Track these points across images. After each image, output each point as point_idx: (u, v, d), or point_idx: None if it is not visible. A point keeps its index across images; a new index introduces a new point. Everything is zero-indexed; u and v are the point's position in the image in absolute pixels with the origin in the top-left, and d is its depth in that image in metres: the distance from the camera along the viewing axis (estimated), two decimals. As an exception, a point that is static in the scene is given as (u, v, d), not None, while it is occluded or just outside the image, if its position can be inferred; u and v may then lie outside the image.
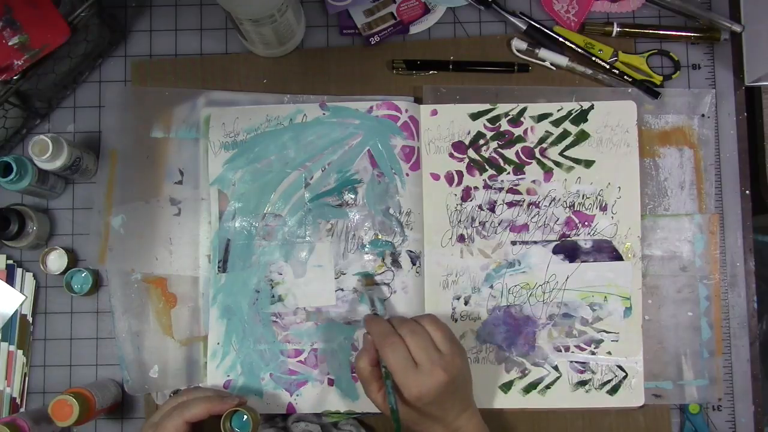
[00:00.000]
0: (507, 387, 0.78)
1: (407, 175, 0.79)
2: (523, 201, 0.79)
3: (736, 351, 0.80)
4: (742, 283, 0.80)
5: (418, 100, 0.81)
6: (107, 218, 0.80)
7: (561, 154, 0.80)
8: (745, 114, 0.82)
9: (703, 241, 0.79)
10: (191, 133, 0.81)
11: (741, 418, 0.79)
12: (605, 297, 0.78)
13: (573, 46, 0.82)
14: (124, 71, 0.83)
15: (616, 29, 0.82)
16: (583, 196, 0.79)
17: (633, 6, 0.83)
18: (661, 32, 0.82)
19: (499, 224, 0.79)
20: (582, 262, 0.78)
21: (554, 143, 0.80)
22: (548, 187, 0.79)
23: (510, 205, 0.79)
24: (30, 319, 0.81)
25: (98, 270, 0.80)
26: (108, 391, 0.77)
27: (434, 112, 0.80)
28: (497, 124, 0.80)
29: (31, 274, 0.81)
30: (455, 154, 0.80)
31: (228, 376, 0.78)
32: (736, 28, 0.81)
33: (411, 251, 0.78)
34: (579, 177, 0.79)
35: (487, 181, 0.80)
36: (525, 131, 0.80)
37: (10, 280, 0.81)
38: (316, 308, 0.78)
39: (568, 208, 0.79)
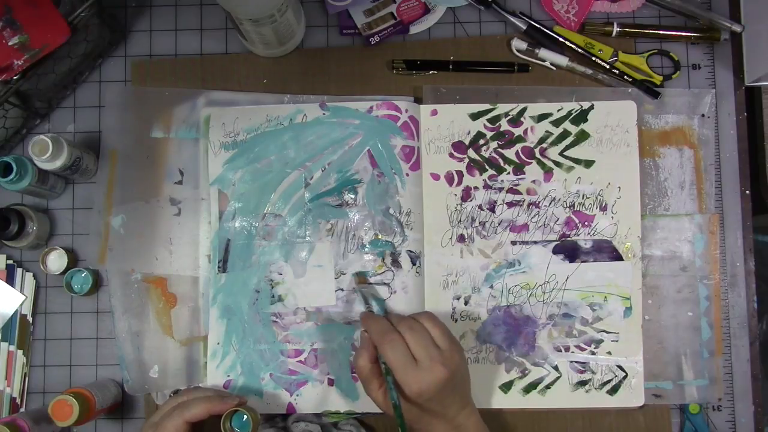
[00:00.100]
0: (507, 387, 0.78)
1: (407, 175, 0.79)
2: (523, 201, 0.79)
3: (736, 351, 0.80)
4: (742, 283, 0.80)
5: (418, 100, 0.81)
6: (107, 218, 0.80)
7: (561, 154, 0.80)
8: (745, 114, 0.82)
9: (703, 241, 0.79)
10: (191, 133, 0.81)
11: (741, 418, 0.79)
12: (605, 297, 0.78)
13: (573, 46, 0.82)
14: (124, 71, 0.83)
15: (616, 29, 0.82)
16: (583, 196, 0.79)
17: (633, 6, 0.83)
18: (661, 32, 0.82)
19: (499, 224, 0.79)
20: (582, 262, 0.78)
21: (554, 143, 0.80)
22: (548, 187, 0.79)
23: (510, 205, 0.79)
24: (30, 319, 0.81)
25: (98, 270, 0.80)
26: (108, 391, 0.77)
27: (434, 112, 0.80)
28: (497, 124, 0.80)
29: (31, 274, 0.81)
30: (455, 154, 0.80)
31: (228, 376, 0.78)
32: (736, 28, 0.81)
33: (411, 251, 0.78)
34: (579, 177, 0.79)
35: (487, 181, 0.80)
36: (525, 131, 0.80)
37: (10, 280, 0.81)
38: (316, 308, 0.78)
39: (568, 208, 0.79)
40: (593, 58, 0.81)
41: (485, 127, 0.80)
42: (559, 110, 0.80)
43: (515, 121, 0.80)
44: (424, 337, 0.64)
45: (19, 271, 0.81)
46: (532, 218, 0.79)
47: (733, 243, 0.81)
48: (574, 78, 0.82)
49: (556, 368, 0.78)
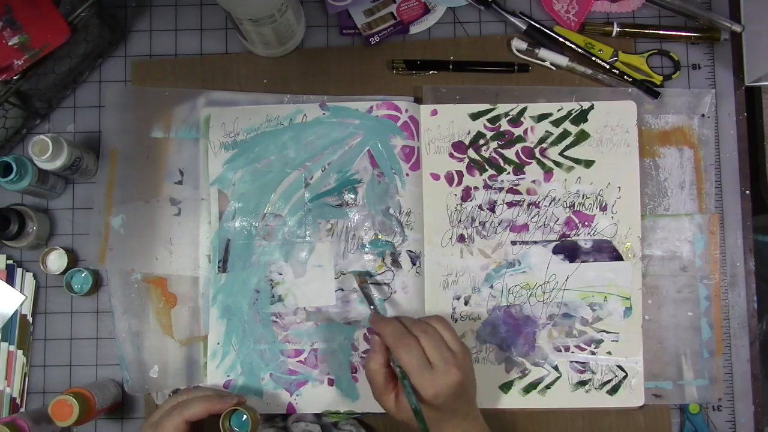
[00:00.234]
0: (507, 387, 0.78)
1: (407, 175, 0.79)
2: (523, 201, 0.79)
3: (736, 351, 0.80)
4: (742, 283, 0.80)
5: (418, 100, 0.81)
6: (107, 218, 0.80)
7: (561, 154, 0.80)
8: (745, 114, 0.82)
9: (703, 241, 0.79)
10: (191, 133, 0.81)
11: (741, 418, 0.79)
12: (605, 297, 0.78)
13: (573, 46, 0.82)
14: (124, 71, 0.83)
15: (616, 29, 0.82)
16: (583, 196, 0.79)
17: (633, 6, 0.83)
18: (661, 32, 0.82)
19: (499, 224, 0.79)
20: (582, 262, 0.78)
21: (554, 143, 0.80)
22: (548, 187, 0.79)
23: (510, 205, 0.79)
24: (30, 319, 0.81)
25: (98, 270, 0.80)
26: (108, 391, 0.77)
27: (434, 112, 0.80)
28: (497, 124, 0.80)
29: (31, 274, 0.81)
30: (455, 154, 0.80)
31: (228, 376, 0.78)
32: (736, 28, 0.81)
33: (411, 251, 0.78)
34: (579, 177, 0.79)
35: (487, 181, 0.80)
36: (525, 131, 0.80)
37: (10, 280, 0.81)
38: (316, 308, 0.78)
39: (568, 208, 0.79)
40: (593, 58, 0.81)
41: (485, 127, 0.80)
42: (559, 110, 0.80)
43: (515, 121, 0.80)
44: (438, 341, 0.65)
45: (19, 271, 0.81)
46: (532, 218, 0.79)
47: (733, 243, 0.81)
48: (574, 78, 0.82)
49: (556, 368, 0.78)
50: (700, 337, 0.79)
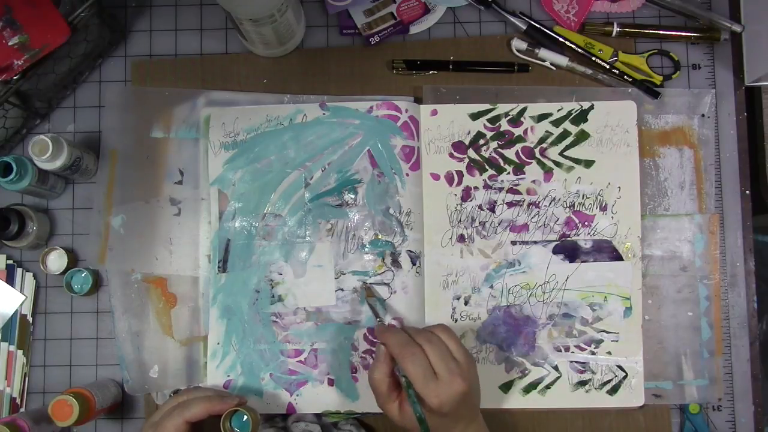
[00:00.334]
0: (507, 387, 0.78)
1: (407, 175, 0.79)
2: (523, 201, 0.79)
3: (736, 351, 0.80)
4: (742, 283, 0.80)
5: (418, 100, 0.81)
6: (107, 218, 0.80)
7: (561, 154, 0.80)
8: (745, 114, 0.82)
9: (703, 241, 0.79)
10: (191, 133, 0.81)
11: (741, 418, 0.79)
12: (605, 297, 0.78)
13: (573, 46, 0.82)
14: (124, 71, 0.83)
15: (616, 29, 0.82)
16: (583, 196, 0.79)
17: (633, 6, 0.83)
18: (661, 32, 0.82)
19: (499, 224, 0.79)
20: (582, 262, 0.78)
21: (554, 143, 0.80)
22: (548, 187, 0.79)
23: (510, 205, 0.79)
24: (30, 319, 0.81)
25: (98, 270, 0.80)
26: (108, 391, 0.77)
27: (434, 112, 0.80)
28: (497, 124, 0.80)
29: (31, 274, 0.81)
30: (455, 154, 0.80)
31: (228, 376, 0.78)
32: (736, 28, 0.81)
33: (411, 251, 0.78)
34: (579, 177, 0.79)
35: (487, 181, 0.80)
36: (525, 131, 0.80)
37: (10, 280, 0.81)
38: (316, 308, 0.78)
39: (568, 208, 0.79)
40: (593, 58, 0.81)
41: (485, 127, 0.80)
42: (559, 110, 0.80)
43: (515, 121, 0.80)
44: (443, 351, 0.65)
45: (19, 271, 0.81)
46: (532, 218, 0.79)
47: (733, 243, 0.81)
48: (574, 78, 0.82)
49: (556, 368, 0.78)
50: (700, 337, 0.79)
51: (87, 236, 0.81)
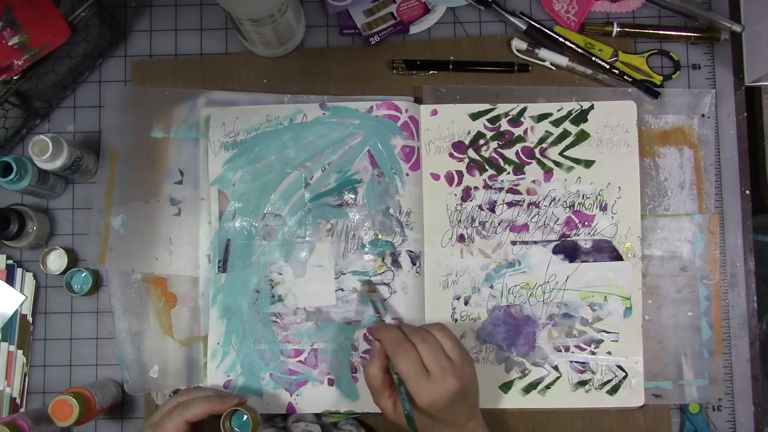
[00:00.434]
0: (507, 387, 0.78)
1: (407, 175, 0.79)
2: (523, 201, 0.79)
3: (736, 351, 0.80)
4: (742, 283, 0.80)
5: (418, 100, 0.81)
6: (107, 218, 0.80)
7: (561, 154, 0.80)
8: (745, 114, 0.82)
9: (703, 241, 0.79)
10: (191, 133, 0.81)
11: (741, 418, 0.79)
12: (605, 297, 0.78)
13: (573, 46, 0.82)
14: (124, 71, 0.83)
15: (616, 29, 0.82)
16: (583, 196, 0.79)
17: (633, 6, 0.83)
18: (661, 32, 0.82)
19: (499, 224, 0.79)
20: (582, 262, 0.78)
21: (554, 143, 0.80)
22: (548, 187, 0.79)
23: (510, 205, 0.79)
24: (30, 319, 0.81)
25: (98, 270, 0.80)
26: (108, 391, 0.77)
27: (434, 112, 0.80)
28: (497, 124, 0.80)
29: (31, 274, 0.81)
30: (455, 154, 0.80)
31: (228, 376, 0.78)
32: (736, 28, 0.81)
33: (411, 251, 0.78)
34: (579, 177, 0.79)
35: (487, 181, 0.80)
36: (525, 131, 0.80)
37: (10, 280, 0.81)
38: (316, 308, 0.78)
39: (568, 208, 0.79)
40: (593, 58, 0.81)
41: (485, 127, 0.80)
42: (559, 110, 0.80)
43: (515, 121, 0.80)
44: (437, 349, 0.64)
45: (19, 271, 0.81)
46: (532, 218, 0.79)
47: (733, 243, 0.81)
48: (574, 78, 0.82)
49: (556, 368, 0.78)
50: (700, 337, 0.79)
51: (87, 236, 0.81)
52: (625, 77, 0.80)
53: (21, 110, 0.79)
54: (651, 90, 0.80)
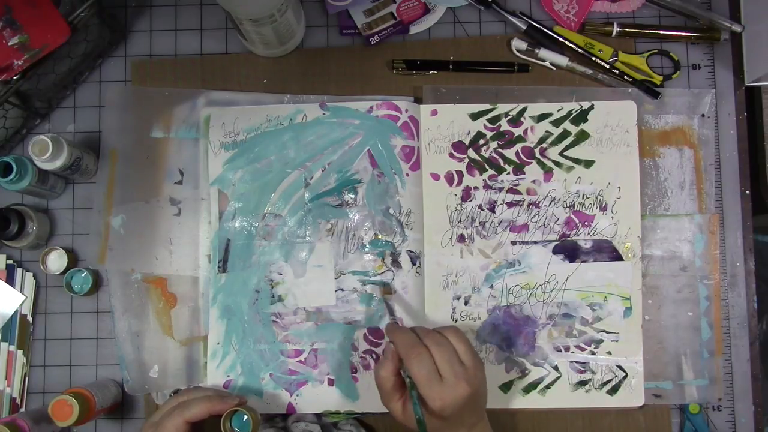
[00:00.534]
0: (507, 387, 0.78)
1: (407, 175, 0.79)
2: (523, 201, 0.79)
3: (736, 351, 0.80)
4: (742, 283, 0.80)
5: (418, 100, 0.81)
6: (107, 218, 0.80)
7: (561, 154, 0.80)
8: (745, 114, 0.82)
9: (703, 241, 0.79)
10: (191, 133, 0.81)
11: (741, 418, 0.79)
12: (605, 297, 0.78)
13: (573, 46, 0.82)
14: (124, 71, 0.83)
15: (616, 29, 0.82)
16: (583, 196, 0.79)
17: (633, 6, 0.83)
18: (661, 32, 0.82)
19: (499, 224, 0.79)
20: (582, 262, 0.78)
21: (554, 143, 0.80)
22: (548, 187, 0.79)
23: (510, 205, 0.79)
24: (30, 319, 0.81)
25: (98, 270, 0.80)
26: (108, 391, 0.77)
27: (434, 112, 0.80)
28: (497, 124, 0.80)
29: (31, 274, 0.81)
30: (455, 154, 0.80)
31: (228, 376, 0.78)
32: (736, 28, 0.81)
33: (411, 251, 0.78)
34: (579, 177, 0.79)
35: (487, 181, 0.80)
36: (525, 131, 0.80)
37: (10, 280, 0.81)
38: (316, 308, 0.78)
39: (568, 208, 0.79)
40: (593, 58, 0.81)
41: (485, 127, 0.80)
42: (559, 110, 0.80)
43: (515, 121, 0.80)
44: (450, 353, 0.64)
45: (19, 271, 0.81)
46: (532, 218, 0.79)
47: (733, 243, 0.81)
48: (574, 78, 0.82)
49: (556, 368, 0.78)
50: (700, 337, 0.79)
51: (87, 236, 0.81)
52: (625, 77, 0.80)
53: (21, 110, 0.79)
54: (651, 90, 0.80)
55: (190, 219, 0.80)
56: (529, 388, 0.78)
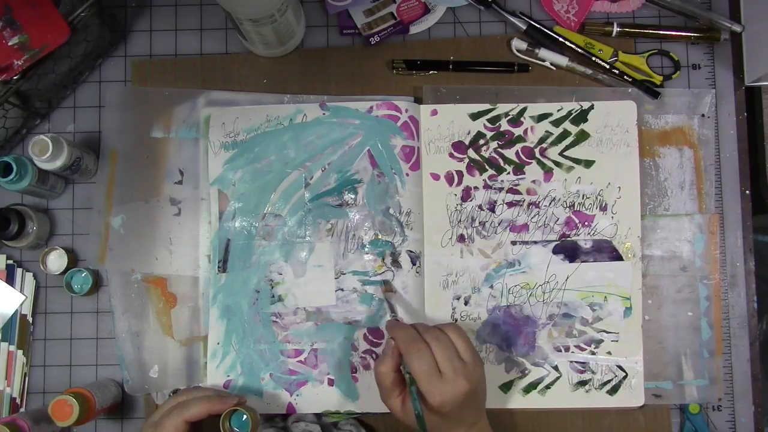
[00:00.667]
0: (507, 387, 0.78)
1: (407, 175, 0.79)
2: (523, 201, 0.79)
3: (736, 351, 0.80)
4: (742, 283, 0.80)
5: (418, 100, 0.81)
6: (107, 218, 0.80)
7: (561, 154, 0.80)
8: (745, 114, 0.82)
9: (703, 241, 0.79)
10: (191, 133, 0.81)
11: (741, 418, 0.79)
12: (605, 297, 0.78)
13: (573, 46, 0.82)
14: (124, 71, 0.83)
15: (616, 29, 0.82)
16: (583, 196, 0.79)
17: (633, 6, 0.83)
18: (661, 32, 0.82)
19: (499, 224, 0.79)
20: (582, 262, 0.78)
21: (554, 143, 0.80)
22: (548, 187, 0.79)
23: (510, 205, 0.79)
24: (30, 319, 0.81)
25: (98, 270, 0.80)
26: (108, 391, 0.77)
27: (434, 112, 0.80)
28: (497, 124, 0.80)
29: (31, 274, 0.81)
30: (455, 154, 0.80)
31: (228, 376, 0.78)
32: (736, 28, 0.81)
33: (411, 251, 0.78)
34: (579, 177, 0.79)
35: (487, 181, 0.80)
36: (525, 131, 0.80)
37: (10, 280, 0.81)
38: (316, 308, 0.78)
39: (568, 208, 0.79)
40: (593, 58, 0.81)
41: (485, 127, 0.80)
42: (559, 110, 0.80)
43: (515, 121, 0.80)
44: (450, 350, 0.64)
45: (19, 271, 0.81)
46: (532, 218, 0.79)
47: (733, 243, 0.81)
48: (574, 78, 0.82)
49: (556, 368, 0.78)
50: (700, 337, 0.79)
51: (87, 236, 0.81)
52: (625, 77, 0.80)
53: (21, 110, 0.79)
54: (651, 90, 0.80)
55: (190, 219, 0.80)
56: (529, 388, 0.78)
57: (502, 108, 0.80)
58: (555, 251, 0.79)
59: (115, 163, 0.81)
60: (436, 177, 0.80)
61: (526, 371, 0.78)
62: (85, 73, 0.83)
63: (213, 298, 0.78)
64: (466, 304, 0.78)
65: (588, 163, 0.79)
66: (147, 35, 0.84)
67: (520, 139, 0.80)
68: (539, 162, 0.80)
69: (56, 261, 0.80)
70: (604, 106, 0.80)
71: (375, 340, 0.77)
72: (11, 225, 0.76)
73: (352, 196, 0.79)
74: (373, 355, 0.77)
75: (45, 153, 0.73)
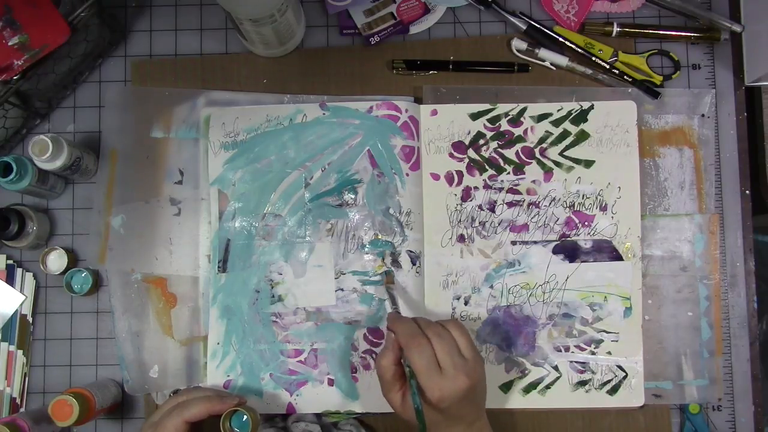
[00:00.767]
0: (507, 387, 0.78)
1: (407, 175, 0.79)
2: (523, 201, 0.79)
3: (736, 351, 0.80)
4: (742, 283, 0.80)
5: (418, 100, 0.81)
6: (107, 218, 0.80)
7: (561, 154, 0.80)
8: (745, 114, 0.82)
9: (703, 241, 0.79)
10: (191, 133, 0.81)
11: (741, 418, 0.79)
12: (605, 297, 0.78)
13: (573, 46, 0.82)
14: (124, 71, 0.83)
15: (616, 29, 0.82)
16: (583, 196, 0.79)
17: (633, 6, 0.83)
18: (661, 32, 0.82)
19: (499, 224, 0.79)
20: (582, 262, 0.78)
21: (554, 143, 0.80)
22: (548, 187, 0.79)
23: (510, 205, 0.79)
24: (30, 319, 0.81)
25: (98, 270, 0.80)
26: (108, 391, 0.77)
27: (434, 112, 0.80)
28: (497, 124, 0.80)
29: (31, 274, 0.81)
30: (455, 154, 0.80)
31: (228, 376, 0.78)
32: (736, 28, 0.81)
33: (411, 251, 0.78)
34: (579, 177, 0.79)
35: (487, 181, 0.80)
36: (525, 131, 0.80)
37: (10, 280, 0.81)
38: (316, 308, 0.78)
39: (568, 208, 0.79)
40: (593, 58, 0.81)
41: (485, 127, 0.80)
42: (559, 110, 0.80)
43: (515, 121, 0.80)
44: (451, 346, 0.64)
45: (19, 271, 0.81)
46: (532, 218, 0.79)
47: (733, 243, 0.81)
48: (574, 78, 0.82)
49: (556, 368, 0.78)
50: (700, 337, 0.79)
51: (87, 236, 0.81)
52: (625, 77, 0.80)
53: (21, 110, 0.79)
54: (651, 90, 0.80)
55: (190, 219, 0.80)
56: (529, 388, 0.78)
57: (502, 108, 0.80)
58: (555, 251, 0.79)
59: (115, 163, 0.81)
60: (436, 177, 0.80)
61: (526, 371, 0.78)
62: (85, 73, 0.83)
63: (213, 298, 0.78)
64: (466, 304, 0.78)
65: (588, 163, 0.79)
66: (147, 35, 0.84)
67: (520, 139, 0.80)
68: (539, 162, 0.80)
69: (56, 261, 0.80)
70: (604, 106, 0.80)
71: (375, 340, 0.77)
72: (11, 225, 0.76)
73: (352, 196, 0.79)
74: (373, 355, 0.77)
75: (45, 153, 0.73)
